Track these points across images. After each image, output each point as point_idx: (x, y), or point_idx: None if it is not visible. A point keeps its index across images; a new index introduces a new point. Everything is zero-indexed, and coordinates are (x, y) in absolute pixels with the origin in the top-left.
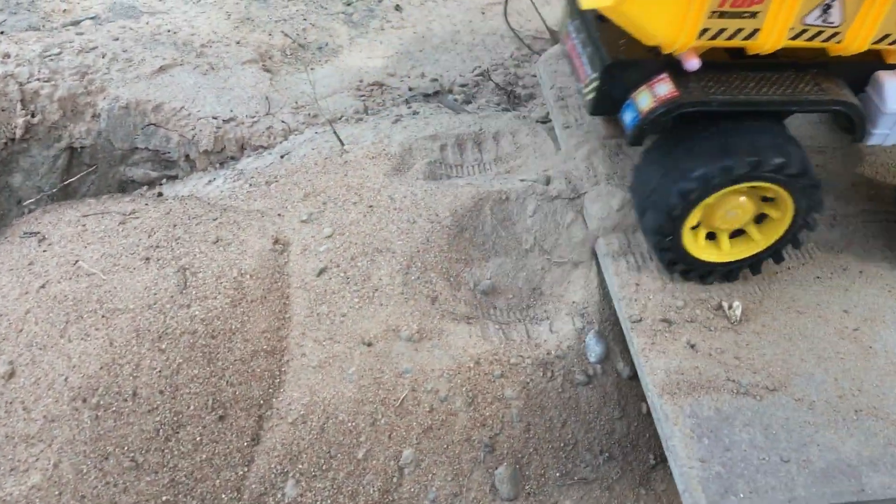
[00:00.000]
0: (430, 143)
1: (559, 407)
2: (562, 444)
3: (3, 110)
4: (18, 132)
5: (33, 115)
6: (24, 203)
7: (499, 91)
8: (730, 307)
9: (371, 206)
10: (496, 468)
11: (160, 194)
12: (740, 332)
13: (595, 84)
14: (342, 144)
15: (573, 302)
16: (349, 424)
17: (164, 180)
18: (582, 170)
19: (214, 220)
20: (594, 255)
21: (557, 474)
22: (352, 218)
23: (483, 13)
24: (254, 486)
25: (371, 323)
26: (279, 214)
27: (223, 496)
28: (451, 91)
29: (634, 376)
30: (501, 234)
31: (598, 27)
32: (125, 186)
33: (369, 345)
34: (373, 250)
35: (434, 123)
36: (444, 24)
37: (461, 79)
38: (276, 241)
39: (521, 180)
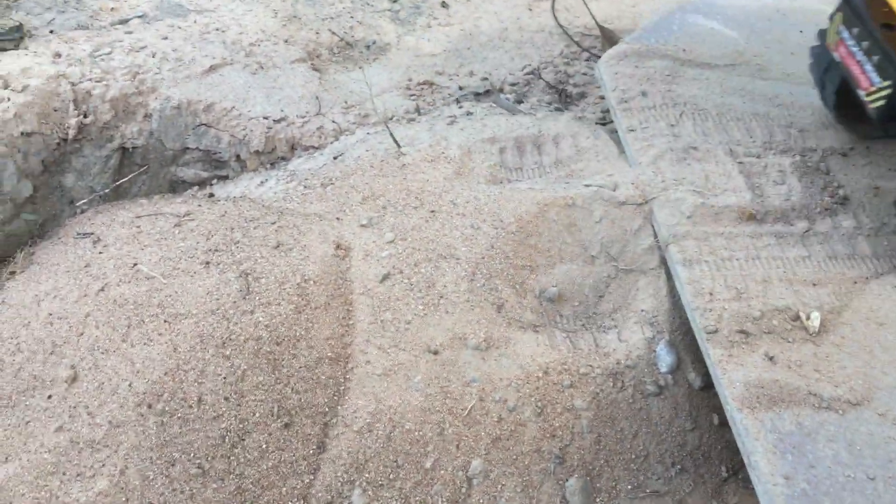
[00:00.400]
0: (488, 146)
1: (630, 418)
2: (633, 456)
3: (55, 110)
4: (71, 132)
5: (86, 116)
6: (77, 203)
7: (550, 90)
8: (808, 318)
9: (433, 211)
10: (567, 480)
11: (212, 195)
12: (819, 344)
13: (887, 91)
14: (398, 146)
15: (642, 310)
16: (416, 433)
17: (215, 181)
18: (649, 175)
19: (272, 223)
20: (663, 262)
21: (629, 487)
22: (413, 223)
23: (530, 9)
24: (320, 494)
25: (437, 331)
26: (338, 218)
27: None
28: (502, 90)
29: (706, 387)
30: (567, 240)
31: (885, 36)
32: (176, 187)
33: (435, 353)
34: (437, 256)
35: (491, 125)
36: (491, 21)
37: (511, 77)
38: (338, 247)
39: (587, 185)
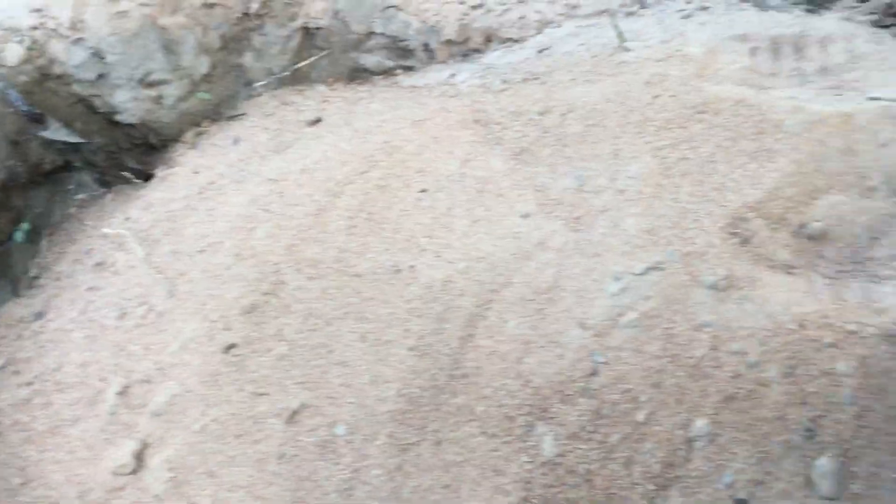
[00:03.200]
0: (737, 45)
1: None
2: None
3: None
4: (255, 6)
5: None
6: (254, 84)
7: None
8: None
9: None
10: (816, 458)
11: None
12: None
13: None
14: (622, 41)
15: None
16: (625, 379)
17: (400, 70)
18: None
19: None
20: None
21: (895, 476)
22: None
23: None
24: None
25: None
26: None
27: None
28: None
29: None
30: (838, 165)
31: None
32: (357, 75)
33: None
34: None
35: (740, 21)
36: None
37: None
38: None
39: (872, 98)
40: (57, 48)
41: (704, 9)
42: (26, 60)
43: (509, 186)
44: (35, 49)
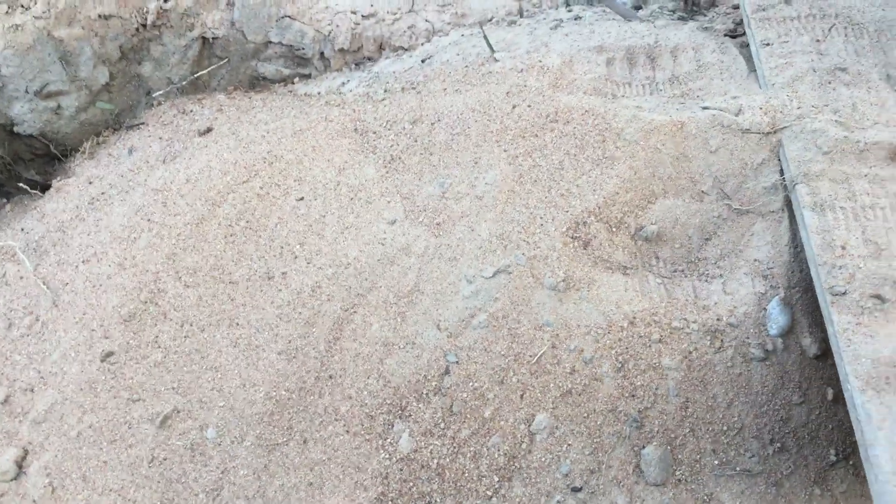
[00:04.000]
0: (594, 56)
1: (726, 384)
2: (724, 428)
3: None
4: (150, 17)
5: (167, 1)
6: (154, 94)
7: None
8: None
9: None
10: (643, 447)
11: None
12: None
13: None
14: (492, 51)
15: (755, 260)
16: (475, 378)
17: (297, 79)
18: (783, 99)
19: None
20: (787, 204)
21: (716, 462)
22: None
23: None
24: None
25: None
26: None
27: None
28: None
29: (822, 356)
30: (673, 171)
31: None
32: (256, 83)
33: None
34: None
35: (600, 32)
36: None
37: None
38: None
39: (705, 108)
40: None
41: (577, 19)
42: None
43: (379, 194)
44: None
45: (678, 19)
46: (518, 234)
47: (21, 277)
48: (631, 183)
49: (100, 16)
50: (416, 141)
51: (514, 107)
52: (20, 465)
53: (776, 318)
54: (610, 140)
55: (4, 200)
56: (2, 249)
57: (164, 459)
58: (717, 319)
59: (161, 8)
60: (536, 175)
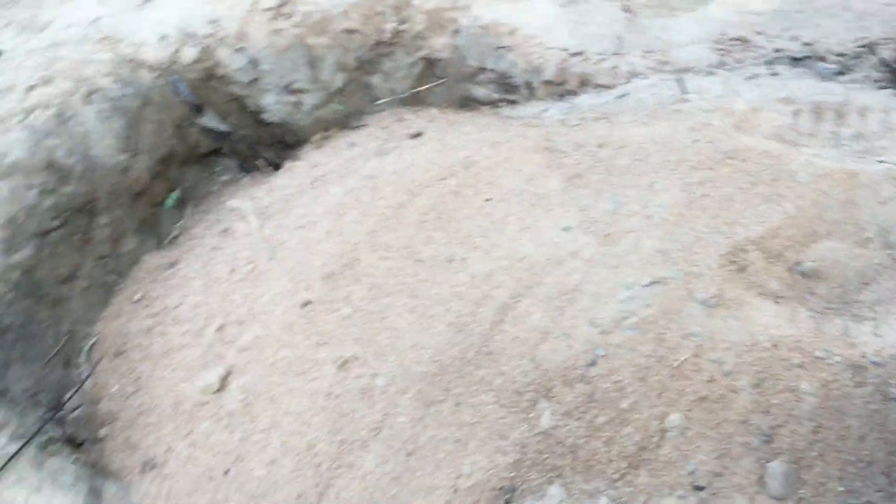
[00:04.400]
0: (782, 106)
1: (862, 417)
2: (854, 459)
3: (378, 14)
4: (387, 36)
5: (403, 23)
6: (378, 102)
7: (883, 67)
8: None
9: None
10: (770, 461)
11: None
12: None
13: None
14: (685, 93)
15: None
16: (616, 372)
17: (504, 103)
18: None
19: None
20: None
21: (841, 489)
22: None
23: None
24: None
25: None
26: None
27: None
28: (823, 59)
29: None
30: (839, 215)
31: None
32: (466, 103)
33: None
34: None
35: (792, 86)
36: None
37: (839, 47)
38: None
39: (881, 161)
40: (222, 54)
41: (774, 75)
42: (197, 61)
43: (558, 204)
44: (205, 53)
45: (879, 89)
46: (679, 252)
47: (247, 234)
48: (795, 220)
49: (345, 30)
50: (599, 162)
51: (695, 141)
52: (223, 382)
53: None
54: (782, 180)
55: (245, 174)
56: (236, 210)
57: (339, 395)
58: (862, 356)
59: (397, 29)
60: (706, 203)
